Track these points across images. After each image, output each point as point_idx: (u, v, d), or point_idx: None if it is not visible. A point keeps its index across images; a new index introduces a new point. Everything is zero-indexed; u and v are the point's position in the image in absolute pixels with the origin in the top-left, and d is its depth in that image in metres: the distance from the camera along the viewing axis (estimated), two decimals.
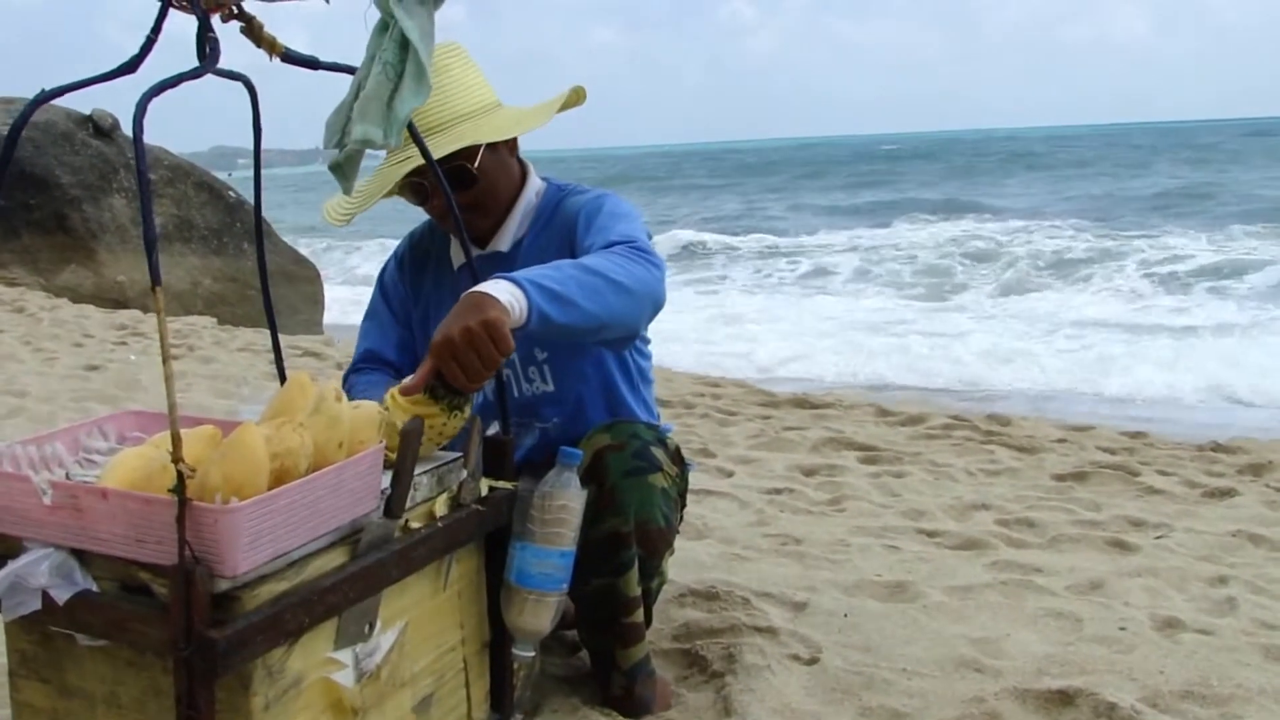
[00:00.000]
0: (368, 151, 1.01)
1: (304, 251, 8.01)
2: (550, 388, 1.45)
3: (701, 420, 3.81)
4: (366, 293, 1.64)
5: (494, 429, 1.27)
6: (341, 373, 1.61)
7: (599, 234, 1.34)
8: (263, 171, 1.17)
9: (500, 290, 1.14)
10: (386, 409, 1.15)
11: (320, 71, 0.99)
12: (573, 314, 1.18)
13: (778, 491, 2.85)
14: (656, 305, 1.28)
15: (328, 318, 7.39)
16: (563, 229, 1.42)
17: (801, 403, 4.12)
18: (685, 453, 3.40)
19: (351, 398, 1.39)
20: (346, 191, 1.01)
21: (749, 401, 4.18)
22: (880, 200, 16.51)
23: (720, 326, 7.22)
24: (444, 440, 1.18)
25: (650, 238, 1.35)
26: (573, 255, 1.38)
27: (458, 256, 1.50)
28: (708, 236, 12.81)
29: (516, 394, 1.47)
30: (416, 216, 1.51)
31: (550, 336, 1.22)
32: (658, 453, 1.34)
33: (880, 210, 15.10)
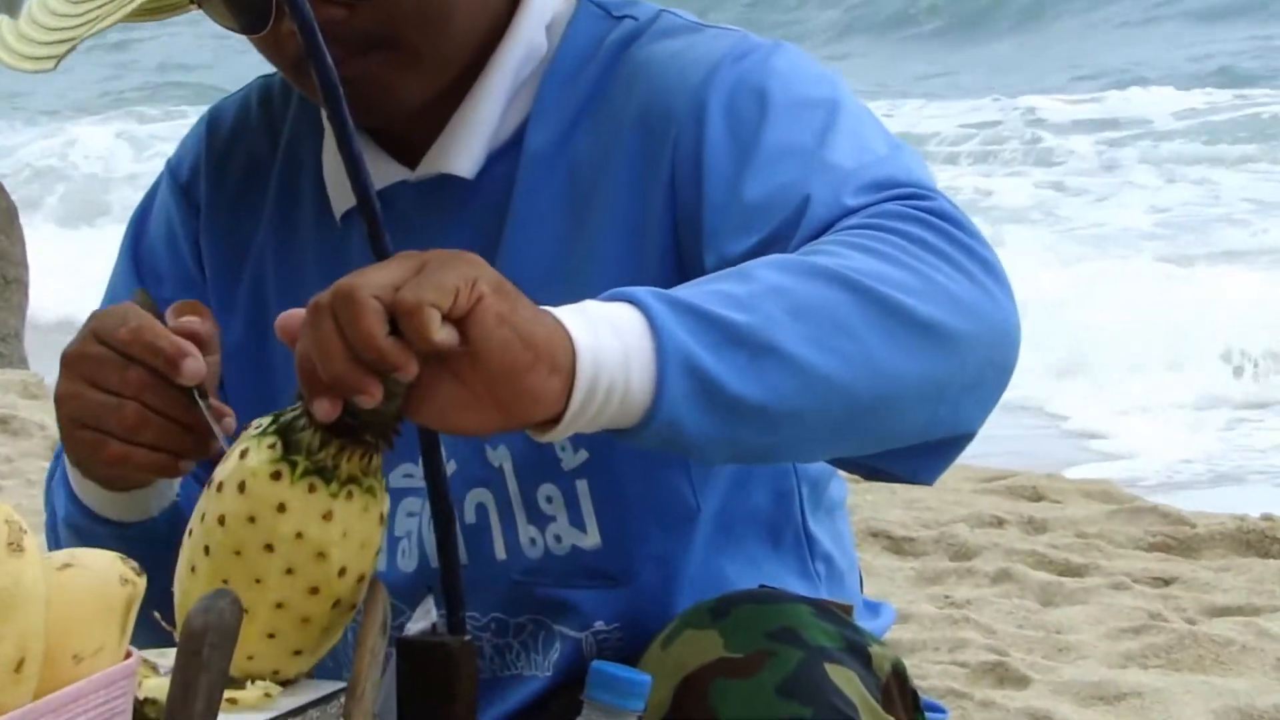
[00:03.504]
0: None
1: None
2: (593, 539, 1.51)
3: (993, 588, 3.82)
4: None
5: (428, 618, 1.31)
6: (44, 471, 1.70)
7: (794, 169, 1.37)
8: None
9: (584, 315, 1.20)
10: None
11: None
12: (781, 380, 1.22)
13: None
14: (1003, 368, 1.34)
15: (38, 315, 7.83)
16: (646, 131, 1.46)
17: (1252, 540, 4.13)
18: (932, 679, 3.41)
19: (48, 516, 1.44)
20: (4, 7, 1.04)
21: (1119, 538, 4.19)
22: None
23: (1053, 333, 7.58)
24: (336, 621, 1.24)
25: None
26: (684, 228, 1.43)
27: (343, 191, 1.52)
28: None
29: (503, 551, 1.51)
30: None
31: (711, 447, 1.26)
32: (843, 680, 1.35)
33: None
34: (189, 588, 1.24)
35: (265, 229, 1.60)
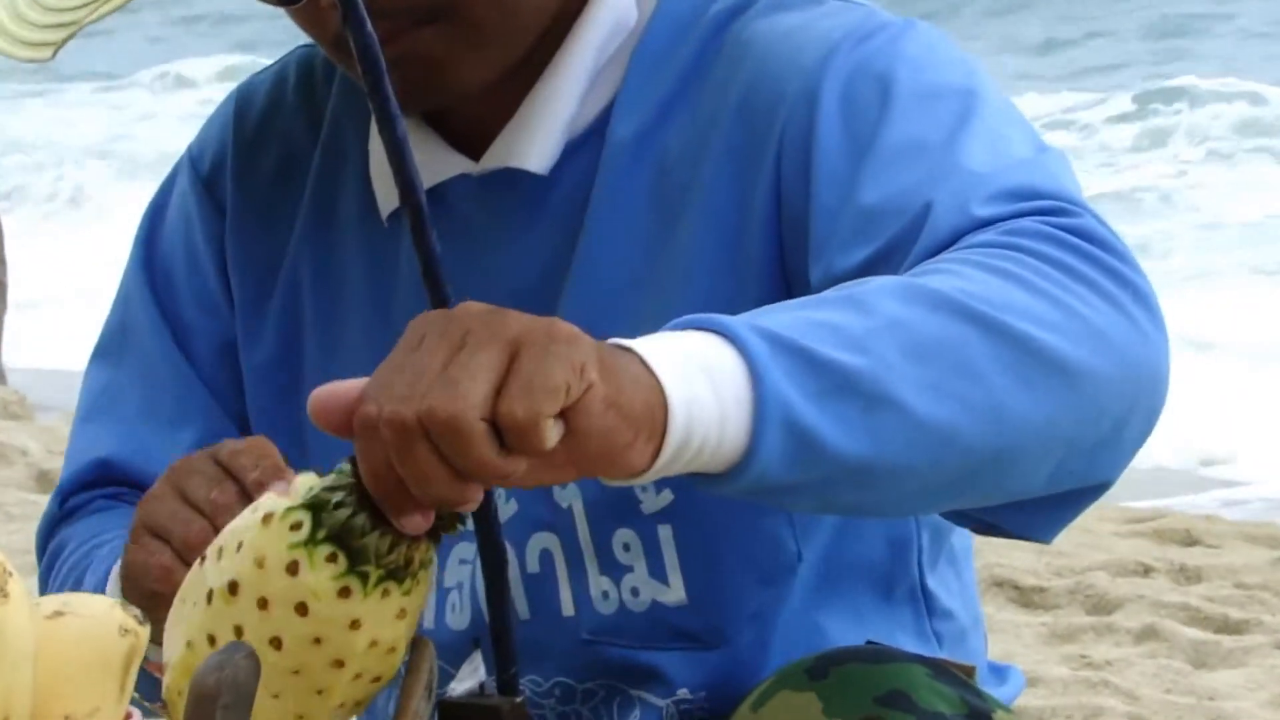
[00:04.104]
0: None
1: None
2: (677, 594, 1.51)
3: (1137, 647, 3.83)
4: (113, 280, 1.70)
5: (475, 676, 1.31)
6: (42, 502, 1.71)
7: (917, 171, 1.35)
8: None
9: (676, 364, 1.15)
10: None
11: None
12: (891, 434, 1.19)
13: None
14: (1150, 414, 1.31)
15: (16, 336, 7.81)
16: (749, 120, 1.45)
17: None
18: None
19: (55, 583, 1.53)
20: None
21: None
22: None
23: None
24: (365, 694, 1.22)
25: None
26: (789, 234, 1.41)
27: (391, 186, 1.48)
28: None
29: (570, 606, 1.51)
30: None
31: (799, 500, 1.27)
32: None
33: None
34: None
35: (301, 230, 1.58)
